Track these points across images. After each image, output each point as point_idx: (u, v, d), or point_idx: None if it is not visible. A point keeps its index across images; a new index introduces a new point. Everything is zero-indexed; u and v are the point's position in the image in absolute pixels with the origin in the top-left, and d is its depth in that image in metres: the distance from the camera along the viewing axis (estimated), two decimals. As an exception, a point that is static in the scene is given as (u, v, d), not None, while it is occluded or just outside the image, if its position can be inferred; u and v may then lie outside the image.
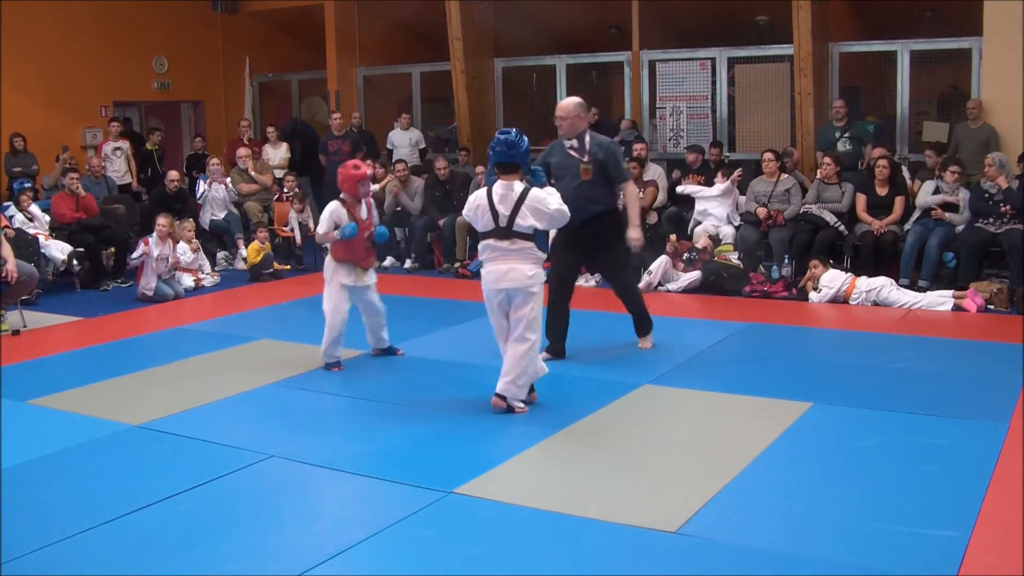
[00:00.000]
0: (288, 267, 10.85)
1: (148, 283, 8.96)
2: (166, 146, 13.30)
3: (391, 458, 4.70)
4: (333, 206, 6.24)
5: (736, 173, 9.81)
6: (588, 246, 6.32)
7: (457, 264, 10.44)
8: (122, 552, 3.72)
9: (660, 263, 9.03)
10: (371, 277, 6.43)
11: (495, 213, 5.25)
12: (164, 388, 5.98)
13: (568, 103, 6.24)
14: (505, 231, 5.25)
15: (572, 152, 6.23)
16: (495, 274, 5.26)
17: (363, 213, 6.36)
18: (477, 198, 5.35)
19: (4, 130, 11.47)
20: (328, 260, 6.33)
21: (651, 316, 6.76)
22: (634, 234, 6.30)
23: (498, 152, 5.27)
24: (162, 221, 9.16)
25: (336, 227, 6.20)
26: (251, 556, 3.67)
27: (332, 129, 12.32)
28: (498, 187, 5.27)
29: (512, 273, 5.23)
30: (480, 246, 5.45)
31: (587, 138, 6.22)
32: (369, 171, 6.56)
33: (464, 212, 5.48)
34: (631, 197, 6.39)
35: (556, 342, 6.43)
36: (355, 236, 6.20)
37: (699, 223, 9.81)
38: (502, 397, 5.31)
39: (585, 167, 6.15)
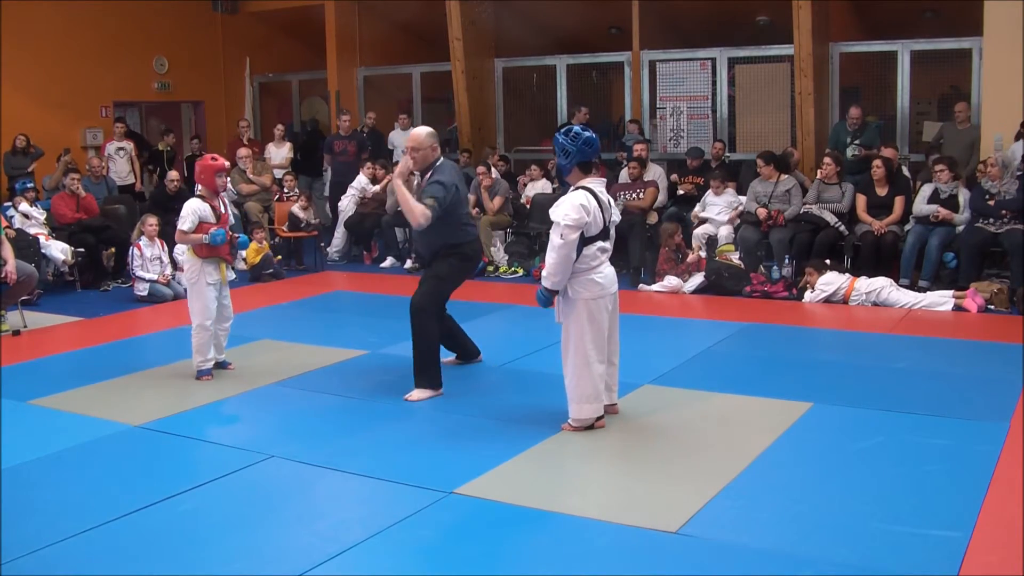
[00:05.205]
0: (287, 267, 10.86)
1: (140, 284, 9.03)
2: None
3: (391, 458, 4.70)
4: (194, 203, 6.08)
5: (735, 213, 9.73)
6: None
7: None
8: (122, 552, 3.72)
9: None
10: (230, 274, 6.30)
11: (604, 213, 4.92)
12: (164, 388, 5.99)
13: (420, 133, 5.74)
14: (608, 231, 5.01)
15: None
16: (610, 276, 5.00)
17: (221, 207, 6.23)
18: (588, 202, 4.80)
19: (5, 131, 11.48)
20: (190, 259, 6.13)
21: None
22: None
23: (584, 151, 4.89)
24: (150, 221, 9.20)
25: (200, 223, 6.05)
26: (251, 556, 3.67)
27: (340, 130, 12.36)
28: (598, 186, 4.95)
29: (614, 274, 5.09)
30: (587, 252, 4.87)
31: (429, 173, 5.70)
32: (227, 163, 6.33)
33: (574, 221, 4.75)
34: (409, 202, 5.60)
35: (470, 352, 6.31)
36: (224, 243, 6.06)
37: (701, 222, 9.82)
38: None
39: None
